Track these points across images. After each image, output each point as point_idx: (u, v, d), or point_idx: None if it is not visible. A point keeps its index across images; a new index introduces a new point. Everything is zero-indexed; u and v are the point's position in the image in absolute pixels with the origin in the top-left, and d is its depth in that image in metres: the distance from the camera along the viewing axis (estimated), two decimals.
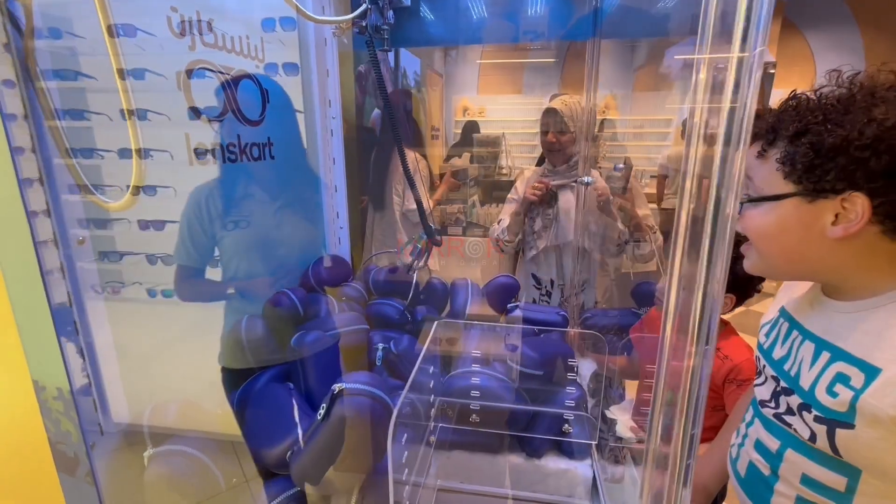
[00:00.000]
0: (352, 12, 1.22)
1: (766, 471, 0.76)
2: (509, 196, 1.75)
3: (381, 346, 1.09)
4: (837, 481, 0.67)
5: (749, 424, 0.82)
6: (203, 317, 2.02)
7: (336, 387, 0.64)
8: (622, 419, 1.13)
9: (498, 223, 1.71)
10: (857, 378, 0.64)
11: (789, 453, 0.73)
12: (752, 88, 0.37)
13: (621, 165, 1.52)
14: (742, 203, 0.71)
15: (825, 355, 0.69)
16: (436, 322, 0.97)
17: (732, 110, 0.39)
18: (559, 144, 1.53)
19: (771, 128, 0.67)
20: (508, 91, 5.44)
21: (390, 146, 1.80)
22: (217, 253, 1.24)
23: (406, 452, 0.69)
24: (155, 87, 1.40)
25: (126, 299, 2.00)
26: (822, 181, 0.63)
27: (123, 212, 1.71)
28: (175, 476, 0.75)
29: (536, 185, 1.54)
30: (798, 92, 0.68)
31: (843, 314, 0.70)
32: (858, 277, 0.68)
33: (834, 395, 0.66)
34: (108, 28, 0.75)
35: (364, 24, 1.14)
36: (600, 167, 1.55)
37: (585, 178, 1.34)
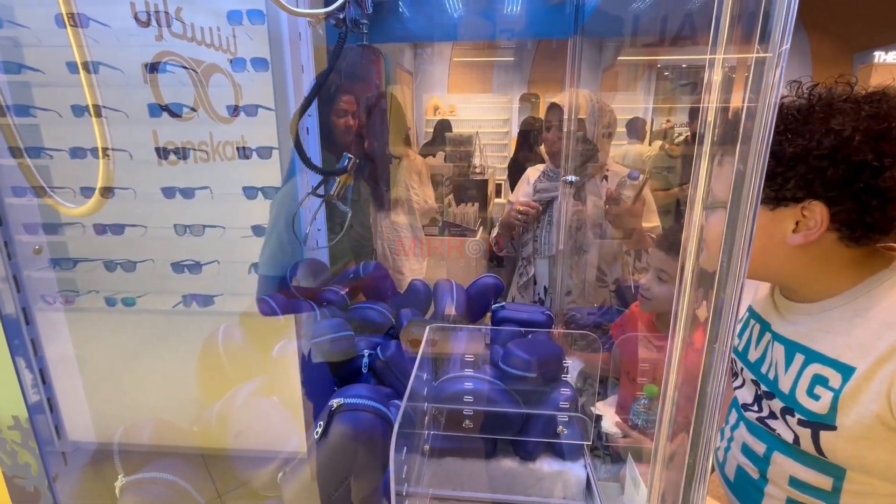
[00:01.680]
0: (326, 5, 1.17)
1: (754, 474, 0.77)
2: (508, 200, 1.72)
3: (367, 352, 1.06)
4: (824, 482, 0.68)
5: (734, 428, 0.83)
6: (168, 326, 1.90)
7: (334, 402, 0.60)
8: (607, 415, 1.14)
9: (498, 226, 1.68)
10: (835, 379, 0.65)
11: (776, 456, 0.74)
12: (779, 87, 0.37)
13: (637, 173, 1.42)
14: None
15: (799, 358, 0.71)
16: (428, 327, 0.94)
17: (752, 109, 0.39)
18: (561, 140, 1.48)
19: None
20: (478, 90, 5.46)
21: (384, 144, 1.76)
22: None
23: (405, 466, 0.66)
24: (111, 80, 1.30)
25: (81, 309, 1.86)
26: (783, 189, 0.65)
27: (84, 216, 1.58)
28: None
29: (522, 209, 1.48)
30: None
31: (808, 316, 0.72)
32: (817, 281, 0.71)
33: (815, 397, 0.67)
34: (70, 16, 0.68)
35: (342, 16, 1.09)
36: (608, 171, 1.49)
37: (570, 178, 1.34)
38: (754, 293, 0.86)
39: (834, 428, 0.65)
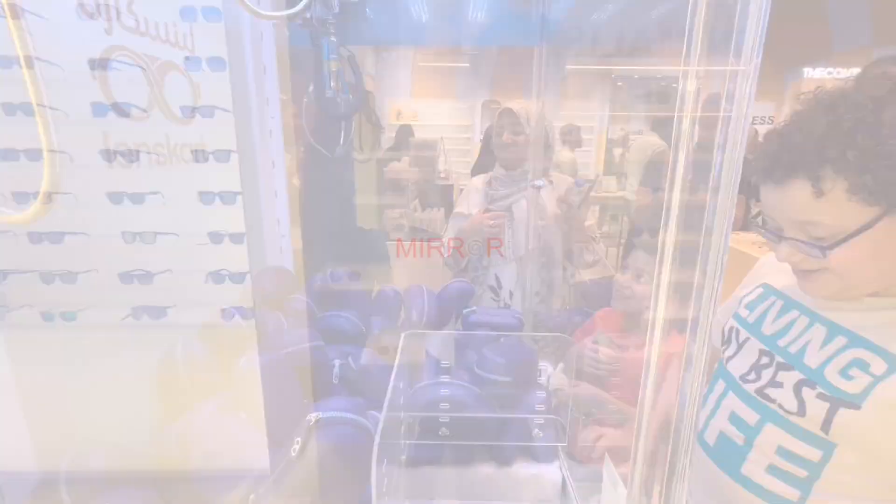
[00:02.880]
0: (289, 4, 1.13)
1: (739, 441, 0.76)
2: (456, 211, 1.72)
3: (338, 361, 1.02)
4: (812, 453, 0.69)
5: (722, 397, 0.81)
6: (116, 341, 1.77)
7: (311, 416, 0.57)
8: (555, 374, 1.15)
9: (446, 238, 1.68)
10: (878, 365, 0.65)
11: (768, 427, 0.73)
12: (751, 99, 0.38)
13: (584, 181, 1.51)
14: (823, 249, 0.65)
15: (840, 340, 0.70)
16: (402, 334, 0.92)
17: (727, 119, 0.41)
18: (514, 145, 1.54)
19: (812, 158, 0.62)
20: (441, 95, 5.49)
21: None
22: None
23: (386, 479, 0.64)
24: (50, 76, 1.19)
25: (13, 326, 1.69)
26: None
27: (27, 223, 1.44)
28: None
29: (492, 221, 1.52)
30: (822, 94, 0.64)
31: (868, 310, 0.69)
32: None
33: (848, 377, 0.66)
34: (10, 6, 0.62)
35: (308, 16, 1.06)
36: (551, 177, 1.56)
37: (538, 182, 1.36)
38: (776, 275, 0.84)
39: (858, 408, 0.64)
